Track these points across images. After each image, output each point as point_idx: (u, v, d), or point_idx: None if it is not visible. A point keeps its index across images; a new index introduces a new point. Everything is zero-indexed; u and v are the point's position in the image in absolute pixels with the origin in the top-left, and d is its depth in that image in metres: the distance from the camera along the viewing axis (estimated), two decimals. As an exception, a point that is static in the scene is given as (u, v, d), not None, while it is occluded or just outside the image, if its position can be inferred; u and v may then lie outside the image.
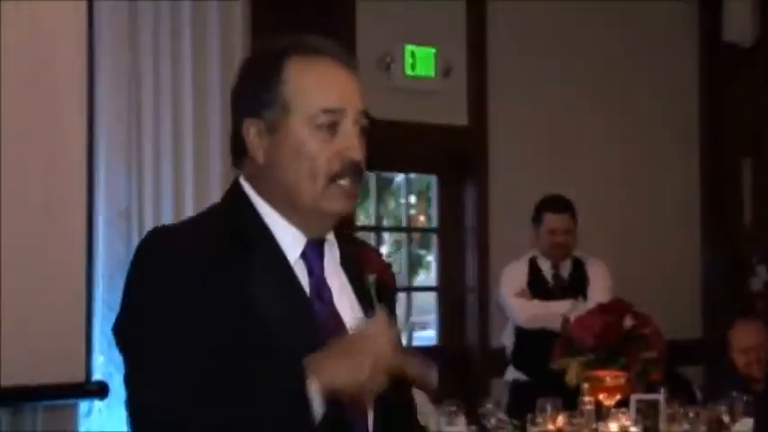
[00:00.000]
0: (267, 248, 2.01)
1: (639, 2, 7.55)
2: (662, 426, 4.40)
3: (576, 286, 5.75)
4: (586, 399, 4.35)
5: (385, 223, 7.39)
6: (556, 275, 5.79)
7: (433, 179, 7.16)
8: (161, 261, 1.95)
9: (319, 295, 2.04)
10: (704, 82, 7.86)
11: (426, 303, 7.31)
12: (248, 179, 2.08)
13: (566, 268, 5.81)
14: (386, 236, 7.44)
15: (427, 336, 7.32)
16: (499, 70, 7.00)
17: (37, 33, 5.05)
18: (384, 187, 7.26)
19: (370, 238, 6.98)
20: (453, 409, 4.37)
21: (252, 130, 2.03)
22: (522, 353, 5.74)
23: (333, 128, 2.01)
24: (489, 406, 4.48)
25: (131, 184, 5.41)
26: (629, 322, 4.81)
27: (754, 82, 7.65)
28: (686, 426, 4.35)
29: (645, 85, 7.59)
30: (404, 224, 7.24)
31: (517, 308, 5.73)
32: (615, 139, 7.48)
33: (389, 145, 6.69)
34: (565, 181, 7.05)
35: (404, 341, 6.90)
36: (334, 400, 1.87)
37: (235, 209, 2.06)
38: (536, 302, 5.68)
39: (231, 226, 2.02)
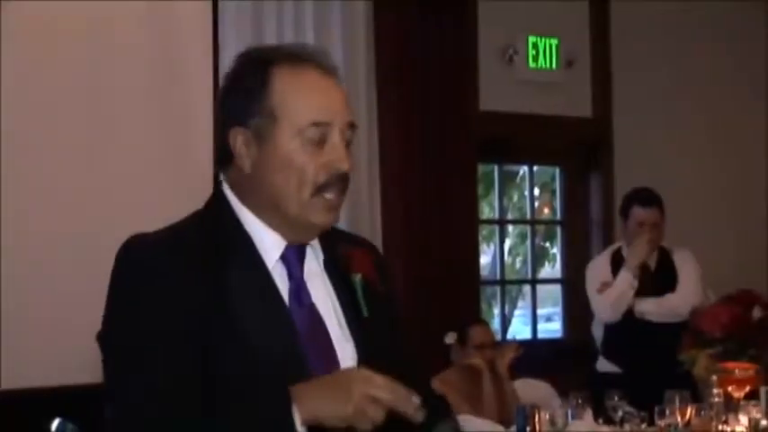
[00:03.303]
0: (244, 253, 2.03)
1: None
2: (794, 418, 4.34)
3: (663, 276, 5.64)
4: (715, 391, 4.31)
5: (509, 216, 7.39)
6: (642, 266, 5.64)
7: (556, 171, 7.14)
8: (135, 274, 1.98)
9: (298, 298, 2.06)
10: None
11: (551, 296, 7.30)
12: (231, 185, 2.10)
13: (652, 258, 5.67)
14: (510, 228, 7.44)
15: (552, 328, 7.32)
16: (623, 60, 6.94)
17: (166, 34, 5.18)
18: (508, 180, 7.26)
19: (494, 230, 7.00)
20: (579, 401, 4.37)
21: (239, 139, 2.04)
22: (612, 344, 5.66)
23: (321, 140, 2.03)
24: (616, 398, 4.46)
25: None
26: (757, 313, 4.74)
27: None
28: (820, 418, 4.27)
29: None
30: (528, 217, 7.23)
31: (598, 305, 5.63)
32: (744, 129, 7.38)
33: (513, 137, 6.71)
34: (690, 171, 6.98)
35: (529, 335, 6.94)
36: (318, 429, 1.88)
37: (214, 215, 2.08)
38: (606, 292, 5.55)
39: (209, 233, 2.04)
